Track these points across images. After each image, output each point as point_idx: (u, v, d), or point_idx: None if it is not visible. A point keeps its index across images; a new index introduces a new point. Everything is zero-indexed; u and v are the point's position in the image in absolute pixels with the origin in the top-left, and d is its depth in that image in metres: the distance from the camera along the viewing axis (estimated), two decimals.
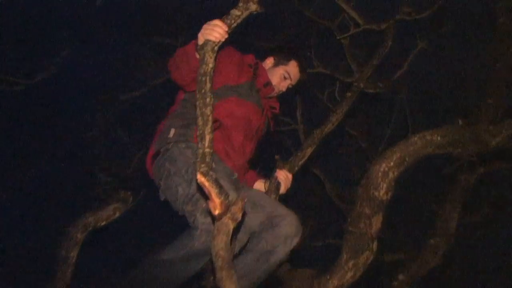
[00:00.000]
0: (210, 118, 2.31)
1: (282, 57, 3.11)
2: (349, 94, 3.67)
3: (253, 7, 2.30)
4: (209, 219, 2.45)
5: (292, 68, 3.07)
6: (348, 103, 3.69)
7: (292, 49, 3.21)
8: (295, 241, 2.66)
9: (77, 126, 6.99)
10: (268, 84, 2.99)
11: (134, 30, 6.43)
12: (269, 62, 3.12)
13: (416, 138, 2.48)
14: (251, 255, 2.65)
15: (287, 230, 2.65)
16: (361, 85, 3.87)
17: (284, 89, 3.09)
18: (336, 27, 5.29)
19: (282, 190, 3.02)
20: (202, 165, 2.32)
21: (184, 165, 2.62)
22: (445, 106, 5.99)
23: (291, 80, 3.08)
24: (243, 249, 2.70)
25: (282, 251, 2.63)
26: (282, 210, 2.75)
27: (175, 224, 2.83)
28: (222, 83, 2.78)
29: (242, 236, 2.64)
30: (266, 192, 2.98)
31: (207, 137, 2.32)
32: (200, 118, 2.32)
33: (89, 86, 7.16)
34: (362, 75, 4.10)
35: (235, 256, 2.60)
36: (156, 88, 6.39)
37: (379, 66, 4.63)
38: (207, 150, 2.33)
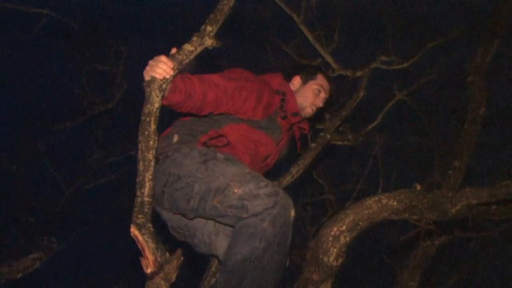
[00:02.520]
0: (152, 163, 2.22)
1: (308, 73, 3.04)
2: (313, 145, 3.61)
3: (209, 42, 2.22)
4: (261, 200, 2.25)
5: (321, 81, 3.01)
6: (312, 154, 3.63)
7: (312, 66, 3.13)
8: None
9: None
10: (296, 114, 2.88)
11: (71, 55, 6.30)
12: (296, 82, 3.02)
13: (371, 202, 2.41)
14: None
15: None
16: (328, 136, 3.82)
17: (321, 104, 3.00)
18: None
19: None
20: (140, 216, 2.21)
21: (193, 165, 2.48)
22: (416, 162, 6.02)
23: (325, 93, 3.01)
24: None
25: None
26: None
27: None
28: (237, 114, 2.67)
29: None
30: None
31: (147, 185, 2.22)
32: (141, 163, 2.22)
33: (15, 114, 6.96)
34: (330, 126, 4.06)
35: None
36: (93, 118, 6.25)
37: (353, 115, 4.65)
38: (146, 199, 2.22)
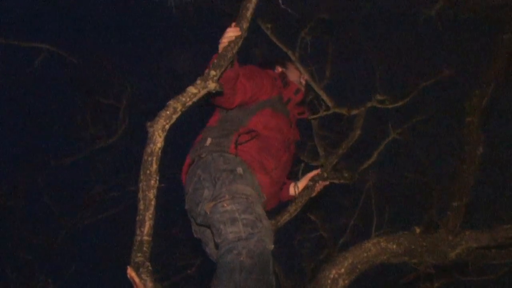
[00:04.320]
0: (152, 202, 2.24)
1: (283, 61, 3.45)
2: (310, 183, 3.63)
3: (212, 85, 2.29)
4: (236, 227, 2.39)
5: (293, 64, 3.47)
6: (309, 193, 3.65)
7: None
8: None
9: None
10: (298, 91, 3.18)
11: (73, 90, 6.35)
12: (280, 69, 3.34)
13: (370, 244, 2.43)
14: None
15: None
16: (325, 174, 3.84)
17: (304, 82, 3.42)
18: (306, 106, 5.36)
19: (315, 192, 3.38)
20: (139, 254, 2.22)
21: (214, 170, 2.64)
22: (412, 201, 6.04)
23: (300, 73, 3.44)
24: None
25: None
26: None
27: None
28: (259, 99, 2.94)
29: None
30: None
31: (147, 224, 2.24)
32: (141, 202, 2.24)
33: (15, 147, 6.93)
34: (327, 164, 4.10)
35: None
36: (94, 153, 6.26)
37: (350, 152, 4.68)
38: (145, 238, 2.24)
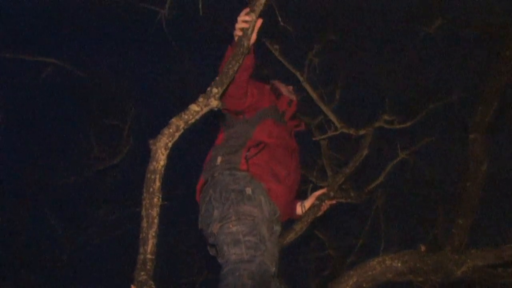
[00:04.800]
0: (155, 221, 2.24)
1: (266, 78, 3.46)
2: (316, 202, 3.63)
3: (214, 103, 2.29)
4: (238, 249, 2.41)
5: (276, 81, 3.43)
6: (315, 212, 3.65)
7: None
8: None
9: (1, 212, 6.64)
10: (291, 102, 3.21)
11: (78, 110, 6.41)
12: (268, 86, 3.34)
13: (374, 263, 2.42)
14: None
15: None
16: (331, 193, 3.85)
17: (293, 93, 3.39)
18: (315, 126, 5.38)
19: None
20: (142, 273, 2.21)
21: (224, 190, 2.66)
22: (419, 219, 6.00)
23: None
24: None
25: None
26: None
27: None
28: (261, 106, 2.98)
29: None
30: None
31: (151, 242, 2.24)
32: (145, 220, 2.24)
33: (18, 166, 6.93)
34: (333, 183, 4.09)
35: None
36: (99, 173, 6.29)
37: (356, 171, 4.67)
38: (149, 256, 2.23)
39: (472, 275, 2.53)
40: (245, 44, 2.36)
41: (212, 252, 2.92)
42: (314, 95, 5.20)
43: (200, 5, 3.24)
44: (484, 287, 2.65)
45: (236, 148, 2.85)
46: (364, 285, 2.41)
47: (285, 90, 3.36)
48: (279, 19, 3.01)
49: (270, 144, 2.90)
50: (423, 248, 2.48)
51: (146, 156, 2.29)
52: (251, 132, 2.91)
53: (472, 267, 2.49)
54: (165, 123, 2.26)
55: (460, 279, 2.52)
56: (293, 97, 3.32)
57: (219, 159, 2.84)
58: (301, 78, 5.24)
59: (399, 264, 2.42)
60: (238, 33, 2.40)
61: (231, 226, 2.48)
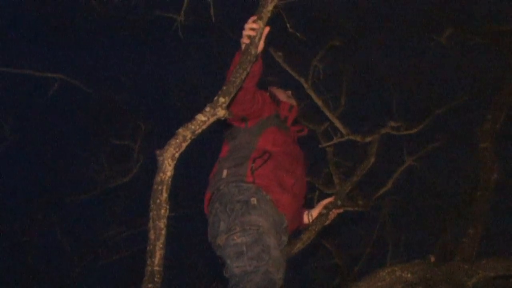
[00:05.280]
0: (163, 232, 2.22)
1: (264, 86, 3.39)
2: (324, 211, 3.60)
3: (221, 113, 2.27)
4: (241, 261, 2.40)
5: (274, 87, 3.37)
6: (322, 221, 3.61)
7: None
8: None
9: (10, 230, 6.65)
10: (291, 107, 3.17)
11: (88, 130, 6.43)
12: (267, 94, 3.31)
13: (384, 273, 2.39)
14: None
15: None
16: (339, 202, 3.81)
17: (293, 98, 3.33)
18: (321, 133, 5.37)
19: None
20: (150, 285, 2.19)
21: (229, 202, 2.65)
22: (427, 228, 5.96)
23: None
24: None
25: None
26: None
27: None
28: (263, 115, 2.95)
29: None
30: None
31: (158, 254, 2.22)
32: (152, 231, 2.23)
33: (29, 185, 6.95)
34: (341, 192, 4.05)
35: None
36: (109, 192, 6.28)
37: (364, 179, 4.64)
38: (156, 268, 2.22)
39: (484, 286, 2.49)
40: (253, 52, 2.34)
41: (221, 262, 2.93)
42: (319, 102, 5.19)
43: (212, 12, 3.23)
44: None
45: (241, 160, 2.83)
46: None
47: (284, 95, 3.33)
48: (288, 25, 2.98)
49: (275, 152, 2.88)
50: (432, 258, 2.45)
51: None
52: (255, 142, 2.89)
53: (483, 278, 2.45)
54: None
55: None
56: (293, 102, 3.29)
57: (225, 172, 2.82)
58: (305, 85, 5.22)
59: (409, 275, 2.39)
60: (245, 40, 2.38)
61: (235, 237, 2.47)
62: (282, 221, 2.78)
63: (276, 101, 3.18)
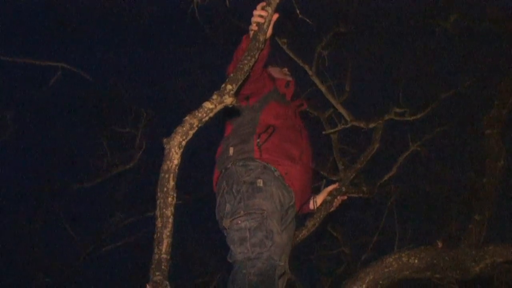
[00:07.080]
0: (170, 220, 2.24)
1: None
2: (328, 198, 3.62)
3: (229, 100, 2.26)
4: (244, 247, 2.43)
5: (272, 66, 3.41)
6: (327, 208, 3.63)
7: None
8: None
9: (15, 218, 6.71)
10: (288, 83, 3.23)
11: (90, 118, 6.44)
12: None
13: (391, 260, 2.41)
14: None
15: None
16: (343, 189, 3.83)
17: (289, 74, 3.39)
18: (325, 119, 5.36)
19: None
20: (157, 273, 2.20)
21: (235, 183, 2.68)
22: (434, 215, 5.96)
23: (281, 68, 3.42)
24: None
25: None
26: None
27: None
28: (264, 91, 3.00)
29: None
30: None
31: (165, 242, 2.23)
32: (159, 219, 2.24)
33: (32, 172, 6.96)
34: (345, 178, 4.07)
35: None
36: (112, 179, 6.30)
37: (368, 166, 4.65)
38: (164, 256, 2.23)
39: (491, 271, 2.51)
40: (261, 38, 2.34)
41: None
42: (323, 89, 5.17)
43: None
44: (502, 284, 2.63)
45: (246, 137, 2.86)
46: (381, 282, 2.41)
47: (280, 73, 3.36)
48: (298, 11, 2.97)
49: (278, 125, 2.91)
50: (440, 244, 2.47)
51: (160, 160, 2.28)
52: (258, 117, 2.92)
53: (490, 263, 2.47)
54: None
55: (479, 275, 2.50)
56: (289, 78, 3.33)
57: (231, 150, 2.85)
58: (309, 72, 5.21)
59: (416, 261, 2.41)
60: (253, 27, 2.39)
61: (239, 221, 2.50)
62: (290, 198, 2.80)
63: (272, 79, 3.21)
